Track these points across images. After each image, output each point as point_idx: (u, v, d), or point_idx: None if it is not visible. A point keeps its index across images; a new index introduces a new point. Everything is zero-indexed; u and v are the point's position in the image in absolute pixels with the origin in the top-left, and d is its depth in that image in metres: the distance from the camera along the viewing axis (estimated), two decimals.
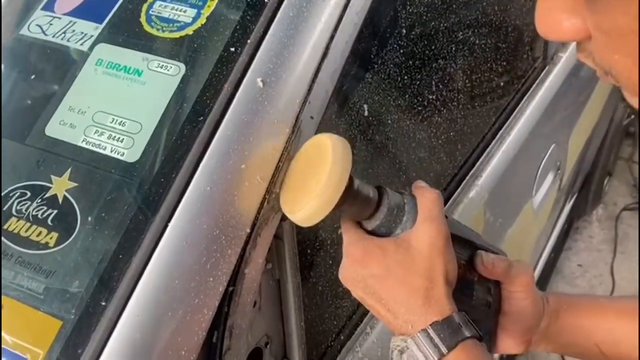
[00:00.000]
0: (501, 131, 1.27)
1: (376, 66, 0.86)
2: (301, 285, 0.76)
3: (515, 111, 1.33)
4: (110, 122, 0.69)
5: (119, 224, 0.63)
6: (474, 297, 0.71)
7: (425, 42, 0.96)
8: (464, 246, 0.70)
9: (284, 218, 0.71)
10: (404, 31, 0.90)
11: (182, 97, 0.68)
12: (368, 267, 0.62)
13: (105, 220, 0.64)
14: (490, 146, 1.23)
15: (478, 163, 1.18)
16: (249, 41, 0.69)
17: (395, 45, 0.88)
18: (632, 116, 2.96)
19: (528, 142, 1.33)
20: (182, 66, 0.70)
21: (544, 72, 1.47)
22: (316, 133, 0.73)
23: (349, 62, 0.77)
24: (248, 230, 0.65)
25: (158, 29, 0.73)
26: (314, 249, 0.81)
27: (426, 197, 0.65)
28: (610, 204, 2.95)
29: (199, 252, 0.62)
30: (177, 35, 0.72)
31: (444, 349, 0.58)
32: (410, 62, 0.93)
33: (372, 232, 0.66)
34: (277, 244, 0.73)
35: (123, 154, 0.67)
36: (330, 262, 0.84)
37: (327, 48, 0.73)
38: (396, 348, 0.61)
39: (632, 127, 3.28)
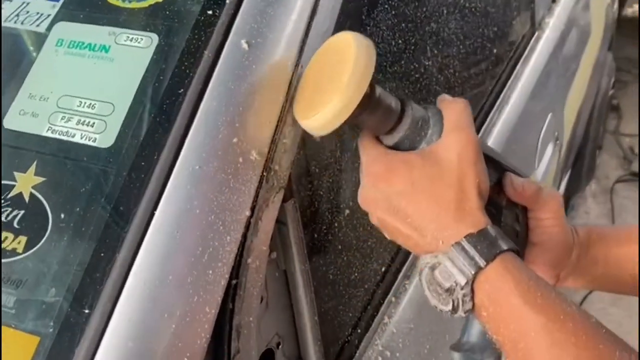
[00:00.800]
0: (499, 100, 1.20)
1: (368, 28, 0.78)
2: (311, 275, 0.68)
3: (511, 79, 1.27)
4: (78, 106, 0.60)
5: (98, 219, 0.54)
6: (502, 224, 0.64)
7: (417, 3, 0.89)
8: (491, 166, 0.63)
9: (285, 199, 0.63)
10: None
11: (158, 70, 0.60)
12: (392, 184, 0.56)
13: (81, 216, 0.55)
14: (490, 116, 1.16)
15: (480, 135, 1.11)
16: (227, 1, 0.61)
17: (386, 6, 0.81)
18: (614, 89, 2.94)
19: (526, 110, 1.27)
20: (155, 37, 0.62)
21: (533, 38, 1.41)
22: None
23: (340, 22, 0.69)
24: (247, 214, 0.57)
25: (124, 0, 0.65)
26: (322, 232, 0.73)
27: (452, 107, 0.59)
28: (603, 177, 2.91)
29: (194, 242, 0.53)
30: (145, 4, 0.64)
31: (481, 262, 0.52)
32: (403, 25, 0.86)
33: (394, 147, 0.60)
34: (280, 230, 0.64)
35: (95, 139, 0.58)
36: (340, 246, 0.75)
37: (316, 5, 0.65)
38: (426, 265, 0.55)
39: (615, 99, 3.26)
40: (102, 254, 0.53)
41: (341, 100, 0.53)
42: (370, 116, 0.57)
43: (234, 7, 0.61)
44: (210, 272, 0.53)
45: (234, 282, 0.56)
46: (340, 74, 0.53)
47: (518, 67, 1.32)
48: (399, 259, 0.88)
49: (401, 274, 0.86)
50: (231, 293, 0.56)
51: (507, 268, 0.53)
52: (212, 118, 0.56)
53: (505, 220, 0.64)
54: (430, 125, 0.59)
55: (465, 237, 0.53)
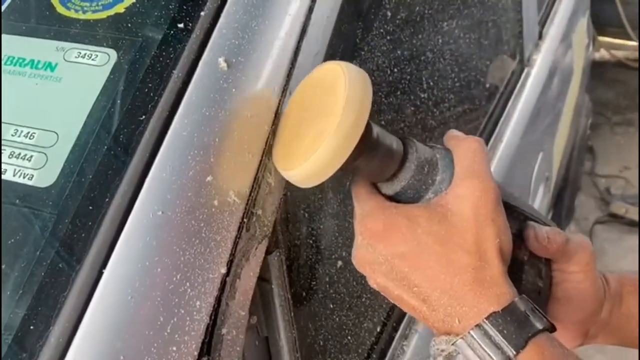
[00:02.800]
0: (493, 137, 1.13)
1: (362, 53, 0.69)
2: (297, 342, 0.56)
3: (503, 116, 1.20)
4: (13, 135, 0.48)
5: (29, 279, 0.42)
6: (523, 282, 0.54)
7: (412, 30, 0.80)
8: (511, 216, 0.53)
9: (269, 251, 0.52)
10: (389, 14, 0.74)
11: (115, 93, 0.49)
12: (392, 244, 0.47)
13: (7, 275, 0.43)
14: None
15: None
16: (202, 13, 0.51)
17: (381, 30, 0.72)
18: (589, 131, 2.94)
19: (520, 149, 1.20)
20: (113, 53, 0.51)
21: (523, 74, 1.36)
22: None
23: (333, 45, 0.60)
24: (223, 271, 0.45)
25: (77, 10, 0.54)
26: (310, 290, 0.61)
27: (464, 147, 0.49)
28: (581, 219, 2.87)
29: (153, 311, 0.41)
30: (103, 15, 0.53)
31: (510, 351, 0.42)
32: (399, 52, 0.77)
33: (394, 198, 0.50)
34: (262, 289, 0.53)
35: (32, 176, 0.46)
36: (332, 305, 0.64)
37: (306, 23, 0.56)
38: (440, 354, 0.45)
39: (590, 141, 3.26)
40: (31, 327, 0.40)
41: (332, 145, 0.43)
42: (367, 161, 0.48)
43: (210, 20, 0.50)
44: (174, 348, 0.41)
45: (204, 359, 0.44)
46: (330, 113, 0.44)
47: (509, 104, 1.25)
48: (395, 314, 0.77)
49: (398, 334, 0.75)
50: None
51: (542, 356, 0.43)
52: (180, 151, 0.45)
53: (527, 277, 0.54)
54: (438, 170, 0.49)
55: (487, 317, 0.43)
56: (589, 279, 0.55)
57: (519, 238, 0.54)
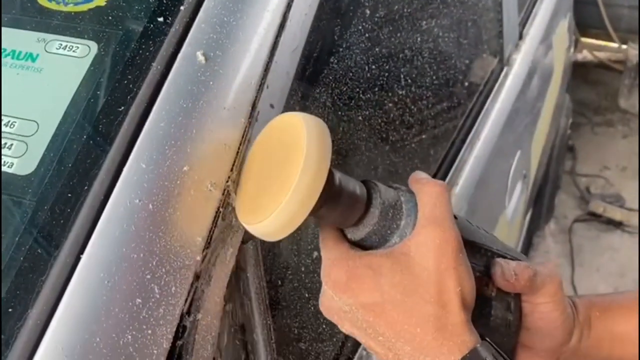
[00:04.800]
0: (470, 135, 1.15)
1: (341, 50, 0.70)
2: (273, 330, 0.58)
3: (481, 114, 1.22)
4: None
5: (8, 264, 0.43)
6: (492, 317, 0.55)
7: (391, 28, 0.82)
8: (478, 254, 0.54)
9: (245, 239, 0.53)
10: (368, 12, 0.76)
11: (95, 84, 0.50)
12: (356, 295, 0.47)
13: None
14: (462, 152, 1.10)
15: (452, 170, 1.05)
16: (182, 7, 0.52)
17: (360, 27, 0.74)
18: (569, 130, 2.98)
19: (497, 146, 1.22)
20: (93, 45, 0.52)
21: (502, 73, 1.38)
22: None
23: (311, 41, 0.62)
24: (198, 258, 0.47)
25: (58, 2, 0.55)
26: (286, 279, 0.63)
27: (427, 191, 0.49)
28: (561, 217, 2.91)
29: (129, 294, 0.43)
30: (84, 7, 0.54)
31: None
32: (377, 50, 0.79)
33: (360, 243, 0.50)
34: (238, 276, 0.54)
35: (12, 164, 0.47)
36: (307, 294, 0.66)
37: (284, 19, 0.57)
38: None
39: (571, 140, 3.31)
40: (10, 309, 0.41)
41: (293, 202, 0.43)
42: (331, 210, 0.47)
43: (189, 15, 0.52)
44: (150, 332, 0.43)
45: (179, 343, 0.45)
46: (291, 166, 0.43)
47: (488, 102, 1.27)
48: None
49: None
50: (175, 357, 0.45)
51: None
52: (158, 141, 0.46)
53: (496, 312, 0.55)
54: (403, 214, 0.49)
55: None
56: (557, 309, 0.56)
57: (486, 275, 0.54)
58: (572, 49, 2.71)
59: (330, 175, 0.46)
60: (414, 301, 0.46)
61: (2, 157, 0.47)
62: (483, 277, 0.54)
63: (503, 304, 0.55)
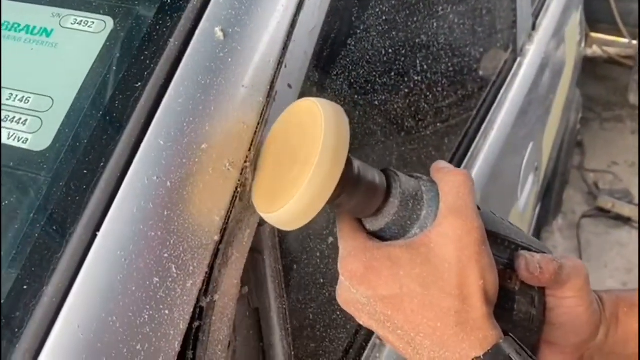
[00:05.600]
0: (484, 125, 1.13)
1: (358, 32, 0.69)
2: (288, 314, 0.57)
3: (495, 104, 1.20)
4: (8, 99, 0.48)
5: (23, 240, 0.42)
6: (515, 312, 0.53)
7: (408, 12, 0.80)
8: (501, 247, 0.53)
9: (262, 221, 0.52)
10: None
11: (111, 60, 0.49)
12: (374, 287, 0.45)
13: (2, 236, 0.43)
14: (476, 141, 1.09)
15: (466, 160, 1.03)
16: None
17: (377, 10, 0.72)
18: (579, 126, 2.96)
19: (510, 137, 1.21)
20: (109, 20, 0.51)
21: (515, 64, 1.36)
22: None
23: (328, 21, 0.60)
24: (216, 238, 0.46)
25: None
26: (302, 263, 0.62)
27: (450, 180, 0.48)
28: (569, 212, 2.90)
29: (146, 273, 0.41)
30: None
31: None
32: (394, 34, 0.77)
33: (379, 234, 0.48)
34: (254, 259, 0.53)
35: (26, 140, 0.46)
36: (322, 279, 0.65)
37: None
38: None
39: (579, 135, 3.28)
40: (25, 287, 0.40)
41: (312, 188, 0.41)
42: (349, 198, 0.46)
43: None
44: (167, 312, 0.42)
45: (196, 324, 0.44)
46: (308, 153, 0.42)
47: (501, 92, 1.26)
48: None
49: None
50: (192, 339, 0.44)
51: None
52: (176, 118, 0.45)
53: (519, 307, 0.53)
54: (423, 204, 0.48)
55: None
56: (583, 304, 0.53)
57: (509, 268, 0.53)
58: (583, 43, 2.68)
59: (349, 163, 0.45)
60: (434, 294, 0.44)
61: (17, 132, 0.46)
62: (506, 270, 0.52)
63: (527, 298, 0.54)
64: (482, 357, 0.43)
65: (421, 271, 0.45)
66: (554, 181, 2.46)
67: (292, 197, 0.42)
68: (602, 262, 2.59)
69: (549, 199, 2.50)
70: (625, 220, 2.79)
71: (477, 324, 0.44)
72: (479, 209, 0.49)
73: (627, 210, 2.79)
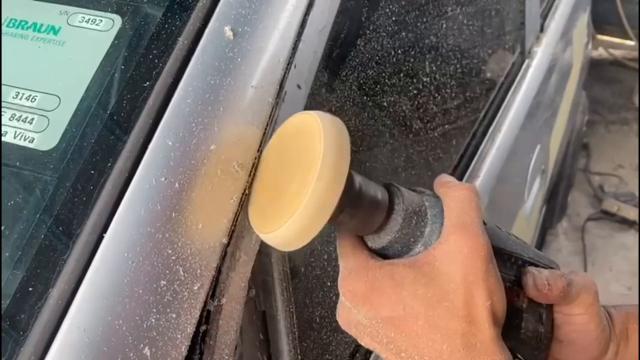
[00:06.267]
0: (492, 127, 1.12)
1: (368, 32, 0.68)
2: (295, 318, 0.56)
3: (502, 107, 1.19)
4: (14, 98, 0.48)
5: (28, 242, 0.42)
6: (522, 330, 0.51)
7: (417, 12, 0.80)
8: (508, 263, 0.51)
9: None
10: None
11: (119, 58, 0.48)
12: (376, 308, 0.44)
13: (7, 237, 0.42)
14: (484, 143, 1.08)
15: (474, 162, 1.02)
16: None
17: (387, 10, 0.72)
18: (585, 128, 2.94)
19: (518, 140, 1.20)
20: (117, 18, 0.50)
21: (523, 66, 1.35)
22: (305, 108, 0.54)
23: (338, 22, 0.59)
24: (224, 241, 0.45)
25: None
26: (308, 265, 0.61)
27: (454, 195, 0.46)
28: (574, 215, 2.88)
29: (153, 276, 0.41)
30: None
31: None
32: (403, 34, 0.76)
33: (381, 252, 0.46)
34: (261, 262, 0.53)
35: (33, 139, 0.46)
36: (329, 282, 0.64)
37: None
38: None
39: (585, 138, 3.27)
40: (30, 288, 0.40)
41: (310, 207, 0.39)
42: (350, 216, 0.44)
43: None
44: (174, 315, 0.41)
45: (202, 328, 0.44)
46: (307, 170, 0.40)
47: (509, 94, 1.25)
48: None
49: None
50: (199, 343, 0.43)
51: None
52: (184, 119, 0.45)
53: (526, 324, 0.51)
54: (427, 221, 0.46)
55: None
56: (593, 321, 0.52)
57: (517, 285, 0.51)
58: (590, 45, 2.67)
59: (350, 179, 0.43)
60: (439, 315, 0.43)
61: (23, 131, 0.46)
62: (513, 287, 0.51)
63: (534, 316, 0.52)
64: None
65: (425, 291, 0.43)
66: (560, 184, 2.45)
67: (289, 217, 0.40)
68: (606, 266, 2.57)
69: (554, 202, 2.49)
70: (630, 224, 2.77)
71: (485, 347, 0.42)
72: (484, 224, 0.47)
73: (633, 214, 2.78)
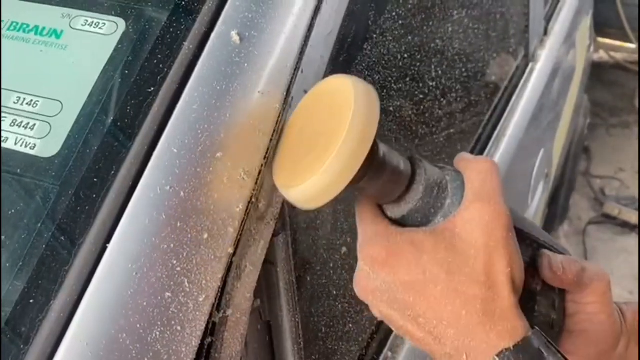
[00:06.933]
0: (497, 131, 1.11)
1: (375, 36, 0.67)
2: (300, 327, 0.55)
3: (507, 110, 1.19)
4: (15, 103, 0.46)
5: (29, 252, 0.40)
6: (536, 313, 0.51)
7: (423, 16, 0.79)
8: (524, 244, 0.50)
9: (276, 232, 0.50)
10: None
11: (123, 63, 0.47)
12: (396, 272, 0.44)
13: (8, 246, 0.41)
14: (488, 147, 1.07)
15: None
16: None
17: (393, 14, 0.71)
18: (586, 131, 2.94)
19: (522, 144, 1.19)
20: (121, 22, 0.49)
21: (527, 69, 1.34)
22: None
23: (346, 26, 0.58)
24: (230, 251, 0.44)
25: None
26: (315, 275, 0.60)
27: (475, 168, 0.46)
28: (575, 219, 2.87)
29: (158, 287, 0.40)
30: None
31: None
32: (410, 38, 0.75)
33: (401, 222, 0.47)
34: (267, 271, 0.51)
35: (34, 146, 0.44)
36: (335, 291, 0.63)
37: (320, 2, 0.54)
38: None
39: (586, 141, 3.26)
40: (31, 300, 0.39)
41: (335, 166, 0.40)
42: (372, 182, 0.45)
43: None
44: (179, 328, 0.40)
45: (208, 340, 0.43)
46: (335, 129, 0.41)
47: (514, 98, 1.24)
48: None
49: None
50: (204, 356, 0.42)
51: None
52: (190, 125, 0.44)
53: (540, 308, 0.51)
54: (448, 193, 0.47)
55: (498, 354, 0.41)
56: (605, 311, 0.52)
57: (531, 267, 0.51)
58: (592, 48, 2.67)
59: (375, 146, 0.44)
60: (459, 280, 0.43)
61: (25, 137, 0.45)
62: (528, 268, 0.50)
63: (548, 300, 0.52)
64: (512, 348, 0.41)
65: (446, 256, 0.43)
66: (561, 187, 2.45)
67: (314, 174, 0.40)
68: (608, 270, 2.54)
69: (556, 205, 2.48)
70: (631, 227, 2.77)
71: (505, 313, 0.42)
72: None
73: (634, 217, 2.77)
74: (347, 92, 0.42)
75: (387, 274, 0.44)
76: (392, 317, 0.45)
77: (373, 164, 0.44)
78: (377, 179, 0.45)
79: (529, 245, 0.51)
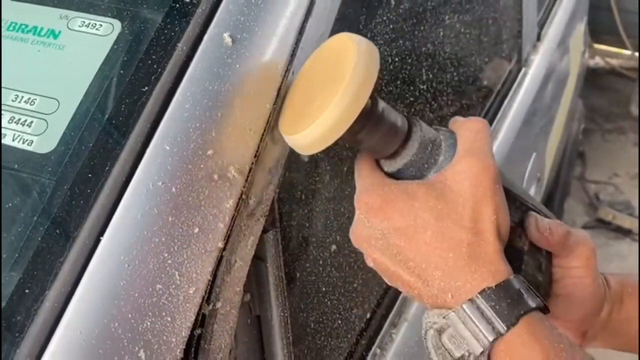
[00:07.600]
0: None
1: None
2: (289, 323, 0.56)
3: (499, 114, 1.20)
4: (13, 101, 0.48)
5: (25, 244, 0.42)
6: (522, 273, 0.53)
7: (415, 20, 0.80)
8: (513, 205, 0.53)
9: (266, 228, 0.52)
10: (393, 3, 0.74)
11: (118, 63, 0.48)
12: (389, 219, 0.47)
13: (4, 239, 0.42)
14: None
15: None
16: None
17: (384, 18, 0.72)
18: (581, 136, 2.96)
19: (514, 147, 1.20)
20: (117, 23, 0.51)
21: (520, 74, 1.36)
22: None
23: (336, 29, 0.60)
24: (220, 245, 0.45)
25: None
26: (304, 271, 0.61)
27: (468, 127, 0.50)
28: (569, 223, 2.88)
29: (150, 279, 0.41)
30: None
31: (501, 327, 0.43)
32: (401, 42, 0.77)
33: (395, 175, 0.50)
34: (257, 267, 0.53)
35: (31, 142, 0.46)
36: (324, 288, 0.64)
37: (311, 4, 0.56)
38: (432, 327, 0.45)
39: (581, 146, 3.28)
40: (27, 290, 0.40)
41: (335, 112, 0.44)
42: (370, 135, 0.48)
43: None
44: (169, 319, 0.41)
45: (197, 332, 0.44)
46: (336, 81, 0.44)
47: (506, 102, 1.25)
48: (385, 302, 0.77)
49: (387, 322, 0.75)
50: (193, 346, 0.44)
51: (533, 334, 0.43)
52: (182, 124, 0.45)
53: (526, 268, 0.53)
54: (441, 150, 0.50)
55: (480, 292, 0.43)
56: (589, 275, 0.54)
57: (519, 227, 0.53)
58: (586, 54, 2.69)
59: (374, 100, 0.47)
60: (447, 226, 0.45)
61: (22, 134, 0.46)
62: (517, 228, 0.53)
63: (534, 262, 0.54)
64: (493, 287, 0.43)
65: (436, 203, 0.46)
66: (555, 191, 2.46)
67: (312, 122, 0.44)
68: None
69: (550, 209, 2.49)
70: (625, 233, 2.78)
71: (489, 257, 0.45)
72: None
73: (628, 222, 2.79)
74: (349, 47, 0.45)
75: (381, 221, 0.47)
76: (384, 263, 0.47)
77: (371, 117, 0.47)
78: (375, 132, 0.47)
79: (518, 207, 0.54)
